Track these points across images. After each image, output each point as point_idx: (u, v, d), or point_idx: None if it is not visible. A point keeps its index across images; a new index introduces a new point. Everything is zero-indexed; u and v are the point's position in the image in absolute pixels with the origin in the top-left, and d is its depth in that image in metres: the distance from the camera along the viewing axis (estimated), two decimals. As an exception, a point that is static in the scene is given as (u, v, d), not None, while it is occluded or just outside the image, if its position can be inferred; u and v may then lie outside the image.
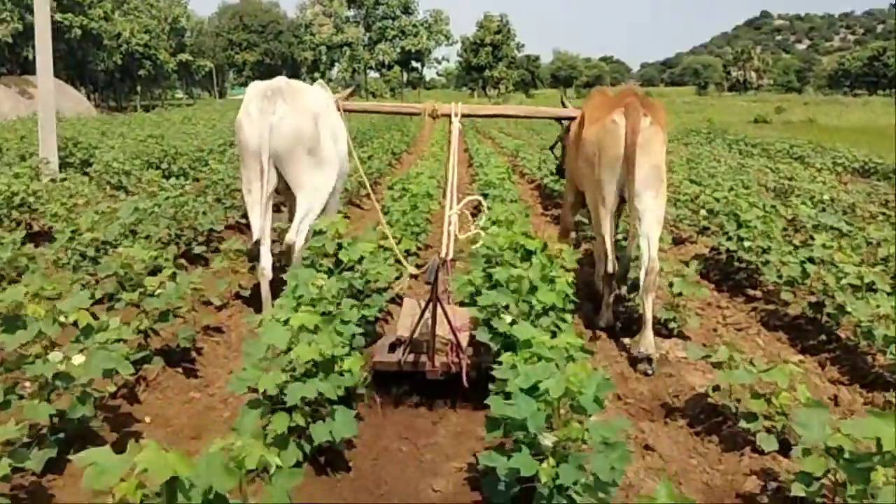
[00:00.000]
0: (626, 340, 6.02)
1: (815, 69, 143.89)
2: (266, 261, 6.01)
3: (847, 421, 3.26)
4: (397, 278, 6.41)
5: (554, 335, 4.13)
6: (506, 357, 3.66)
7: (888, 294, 5.65)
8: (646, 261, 5.65)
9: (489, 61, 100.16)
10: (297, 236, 6.14)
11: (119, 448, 4.13)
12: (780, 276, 6.76)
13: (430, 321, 4.57)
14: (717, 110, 57.42)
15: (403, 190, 10.09)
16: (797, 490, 3.22)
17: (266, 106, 5.90)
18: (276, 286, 5.78)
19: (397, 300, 6.28)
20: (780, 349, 6.01)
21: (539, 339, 3.69)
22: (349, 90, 8.37)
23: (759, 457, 4.05)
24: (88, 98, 57.59)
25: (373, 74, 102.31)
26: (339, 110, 7.15)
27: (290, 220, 6.89)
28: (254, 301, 6.88)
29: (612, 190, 5.77)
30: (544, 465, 2.99)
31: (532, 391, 3.14)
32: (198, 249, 8.26)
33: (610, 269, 5.89)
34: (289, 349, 3.60)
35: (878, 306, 5.45)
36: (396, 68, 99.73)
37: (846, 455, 3.09)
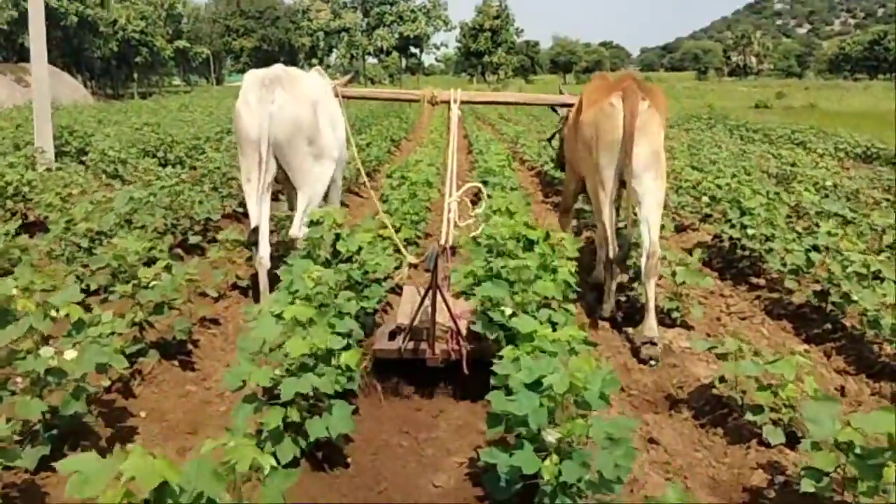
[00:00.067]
0: (630, 330, 5.94)
1: (815, 53, 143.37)
2: (264, 250, 5.95)
3: (857, 414, 3.18)
4: (397, 268, 6.35)
5: (555, 326, 4.06)
6: (507, 351, 3.58)
7: (895, 282, 5.57)
8: (646, 245, 5.62)
9: (488, 47, 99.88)
10: (299, 231, 6.08)
11: (113, 444, 4.11)
12: (784, 265, 6.68)
13: (429, 308, 4.54)
14: (717, 95, 57.22)
15: (402, 178, 10.00)
16: (806, 486, 3.14)
17: (265, 95, 5.83)
18: (275, 276, 5.71)
19: (397, 290, 6.21)
20: (784, 338, 5.93)
21: (541, 332, 3.61)
22: (348, 76, 8.29)
23: (766, 450, 3.98)
24: (85, 86, 57.39)
25: (371, 60, 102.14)
26: (337, 97, 7.08)
27: (290, 208, 6.83)
28: (251, 292, 6.81)
29: (611, 174, 5.72)
30: (547, 462, 2.91)
31: (535, 386, 3.06)
32: (194, 239, 8.16)
33: (611, 254, 5.86)
34: (283, 343, 3.52)
35: (884, 295, 5.38)
36: (395, 54, 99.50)
37: (857, 450, 3.01)
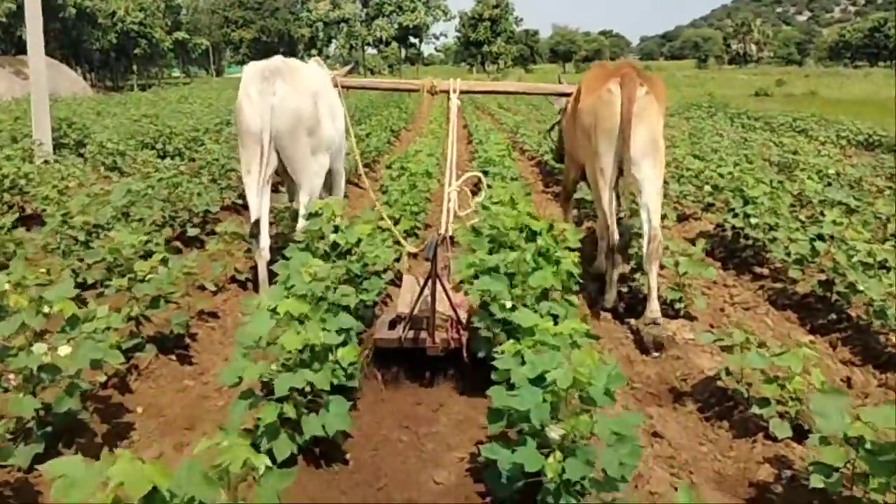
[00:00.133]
0: (632, 321, 5.87)
1: (815, 41, 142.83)
2: (264, 242, 5.94)
3: (867, 408, 3.11)
4: (396, 260, 6.30)
5: (556, 319, 3.99)
6: (508, 345, 3.51)
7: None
8: (647, 230, 5.65)
9: (488, 36, 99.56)
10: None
11: (109, 441, 4.05)
12: (788, 254, 6.60)
13: (429, 298, 4.54)
14: (717, 84, 57.07)
15: (402, 169, 9.92)
16: (815, 481, 3.07)
17: (265, 87, 5.83)
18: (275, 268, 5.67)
19: (396, 282, 6.15)
20: (789, 329, 5.86)
21: (542, 325, 3.54)
22: (348, 67, 8.26)
23: (773, 443, 3.91)
24: (84, 78, 57.26)
25: (370, 51, 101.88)
26: (336, 87, 7.04)
27: (291, 200, 6.80)
28: (250, 285, 6.74)
29: (610, 161, 5.72)
30: (550, 459, 2.84)
31: (538, 381, 2.99)
32: (192, 232, 8.08)
33: (612, 241, 5.87)
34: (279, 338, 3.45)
35: (890, 284, 5.31)
36: (394, 44, 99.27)
37: (867, 445, 2.95)
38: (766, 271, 7.15)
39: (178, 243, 7.95)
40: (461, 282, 4.78)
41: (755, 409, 4.00)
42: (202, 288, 6.18)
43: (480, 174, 6.62)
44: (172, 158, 13.22)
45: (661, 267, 6.00)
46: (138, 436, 4.17)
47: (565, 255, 4.61)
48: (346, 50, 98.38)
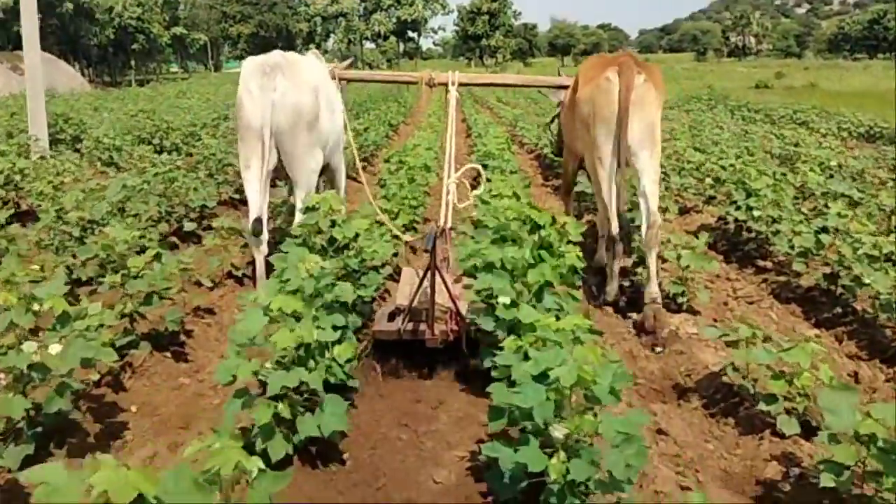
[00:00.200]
0: (634, 315, 5.79)
1: (814, 33, 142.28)
2: (263, 236, 5.90)
3: (878, 405, 3.04)
4: (395, 255, 6.24)
5: (557, 315, 3.91)
6: (509, 342, 3.42)
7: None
8: (646, 216, 5.70)
9: (486, 30, 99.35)
10: None
11: (102, 441, 3.96)
12: (791, 247, 6.52)
13: (428, 289, 4.53)
14: (717, 76, 56.88)
15: (400, 163, 9.83)
16: (826, 480, 2.98)
17: (266, 82, 5.79)
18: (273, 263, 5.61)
19: (395, 277, 6.07)
20: (794, 323, 5.78)
21: (544, 321, 3.45)
22: (347, 62, 8.19)
23: (780, 441, 3.82)
24: (82, 73, 57.18)
25: (369, 45, 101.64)
26: (333, 79, 7.00)
27: (290, 194, 6.76)
28: (247, 280, 6.66)
29: (609, 150, 5.73)
30: (554, 460, 2.76)
31: (541, 378, 2.90)
32: (189, 227, 7.99)
33: (613, 230, 5.87)
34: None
35: (897, 277, 5.23)
36: (392, 39, 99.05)
37: (880, 443, 2.87)
38: (769, 264, 7.07)
39: (174, 239, 7.87)
40: (464, 274, 4.72)
41: (762, 406, 3.91)
42: (198, 284, 6.09)
43: (479, 166, 6.55)
44: (170, 153, 13.14)
45: (664, 260, 5.97)
46: (132, 435, 4.08)
47: (569, 249, 4.53)
48: (345, 44, 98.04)
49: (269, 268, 5.56)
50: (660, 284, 5.68)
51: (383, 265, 5.67)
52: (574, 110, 6.27)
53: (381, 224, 6.10)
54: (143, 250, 5.39)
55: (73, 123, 15.76)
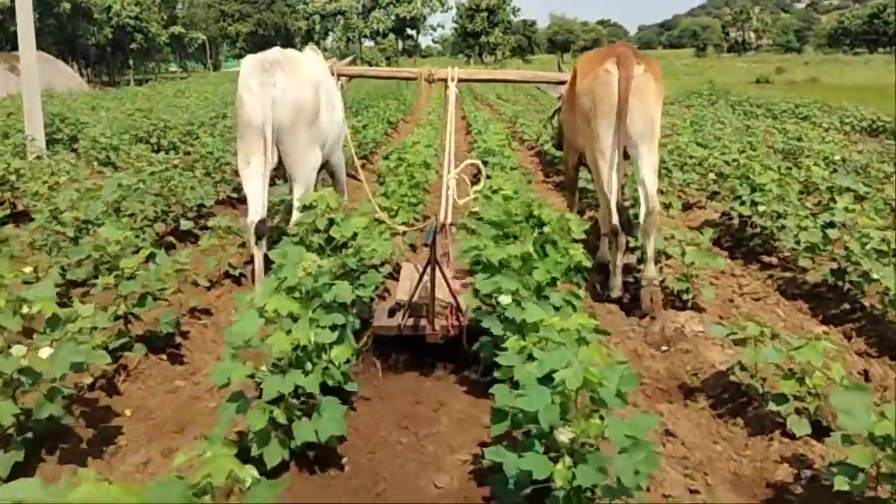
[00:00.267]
0: (638, 313, 5.69)
1: (814, 28, 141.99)
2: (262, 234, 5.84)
3: (892, 404, 2.92)
4: (394, 254, 6.17)
5: (563, 313, 3.80)
6: (512, 342, 3.32)
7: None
8: (645, 203, 5.72)
9: (485, 27, 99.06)
10: None
11: (95, 446, 3.86)
12: (797, 242, 6.41)
13: (428, 285, 4.49)
14: (717, 72, 56.73)
15: (400, 160, 9.73)
16: (840, 484, 2.88)
17: (266, 79, 5.77)
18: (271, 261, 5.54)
19: (395, 276, 5.98)
20: (801, 320, 5.68)
21: (548, 320, 3.35)
22: (348, 59, 8.13)
23: (790, 441, 3.72)
24: (80, 73, 57.06)
25: (368, 43, 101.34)
26: (332, 75, 6.97)
27: (290, 191, 6.72)
28: (245, 280, 6.57)
29: (610, 141, 5.71)
30: (559, 465, 2.66)
31: (546, 381, 2.80)
32: (186, 226, 7.88)
33: (614, 221, 5.85)
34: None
35: (906, 273, 5.12)
36: (391, 36, 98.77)
37: (895, 445, 2.76)
38: (774, 260, 6.97)
39: (171, 238, 7.78)
40: (470, 271, 4.65)
41: (771, 406, 3.80)
42: (195, 284, 5.99)
43: (479, 162, 6.47)
44: (167, 152, 13.02)
45: (668, 257, 5.88)
46: (125, 440, 3.98)
47: (575, 247, 4.44)
48: (344, 42, 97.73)
49: (268, 265, 5.48)
50: (662, 279, 5.68)
51: (382, 264, 5.58)
52: (573, 103, 6.24)
53: (381, 222, 6.02)
54: (137, 251, 5.29)
55: (70, 123, 15.67)
